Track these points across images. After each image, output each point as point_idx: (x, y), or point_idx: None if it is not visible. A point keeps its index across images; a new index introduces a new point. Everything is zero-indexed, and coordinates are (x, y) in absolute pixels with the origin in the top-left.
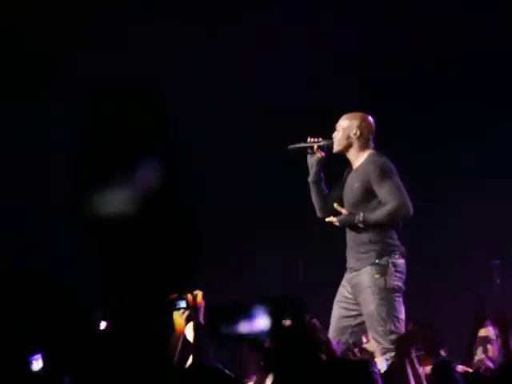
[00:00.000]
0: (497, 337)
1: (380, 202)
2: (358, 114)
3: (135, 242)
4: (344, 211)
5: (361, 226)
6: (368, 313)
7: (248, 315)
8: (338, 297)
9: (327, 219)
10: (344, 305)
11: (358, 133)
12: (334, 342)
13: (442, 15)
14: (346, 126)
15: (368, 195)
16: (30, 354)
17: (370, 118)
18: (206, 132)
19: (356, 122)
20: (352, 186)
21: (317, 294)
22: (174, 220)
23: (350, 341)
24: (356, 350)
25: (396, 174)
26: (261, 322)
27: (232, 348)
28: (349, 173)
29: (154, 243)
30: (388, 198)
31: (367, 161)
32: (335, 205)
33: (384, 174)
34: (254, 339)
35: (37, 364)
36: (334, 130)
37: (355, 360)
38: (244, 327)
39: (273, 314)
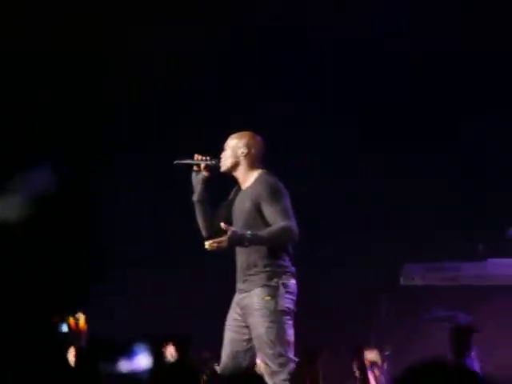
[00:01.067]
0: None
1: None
2: (245, 133)
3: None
4: (231, 229)
5: (247, 243)
6: (257, 335)
7: (129, 353)
8: (229, 320)
9: (214, 241)
10: (235, 328)
11: (246, 151)
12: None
13: None
14: (234, 145)
15: (259, 215)
16: None
17: (259, 137)
18: None
19: (244, 141)
20: (242, 206)
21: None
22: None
23: (244, 365)
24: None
25: (286, 195)
26: (142, 360)
27: None
28: (237, 192)
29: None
30: (275, 220)
31: (257, 180)
32: (222, 224)
33: (273, 195)
34: (134, 378)
35: None
36: (222, 149)
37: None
38: (125, 365)
39: (154, 352)
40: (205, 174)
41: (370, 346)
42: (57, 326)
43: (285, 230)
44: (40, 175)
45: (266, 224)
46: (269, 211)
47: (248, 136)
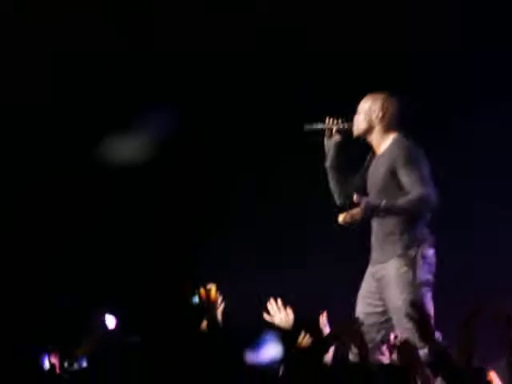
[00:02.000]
0: None
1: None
2: (380, 95)
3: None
4: (364, 200)
5: (382, 214)
6: (394, 309)
7: (255, 343)
8: (362, 292)
9: (347, 214)
10: (369, 301)
11: (381, 115)
12: None
13: None
14: (367, 109)
15: (394, 181)
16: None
17: (394, 98)
18: None
19: (378, 104)
20: (377, 171)
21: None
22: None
23: (378, 339)
24: (384, 348)
25: (424, 160)
26: (270, 350)
27: None
28: (371, 159)
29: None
30: (412, 188)
31: (393, 145)
32: (355, 196)
33: (410, 161)
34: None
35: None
36: (355, 112)
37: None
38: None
39: (284, 340)
40: (337, 138)
41: None
42: (188, 298)
43: (421, 199)
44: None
45: (401, 190)
46: (405, 178)
47: (382, 98)
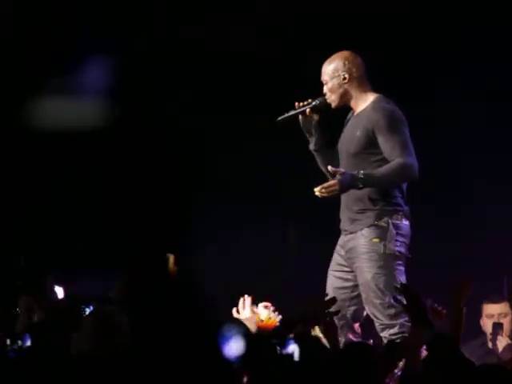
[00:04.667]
0: None
1: (383, 157)
2: (339, 54)
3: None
4: (341, 171)
5: (360, 186)
6: (364, 282)
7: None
8: (332, 265)
9: (323, 187)
10: (339, 274)
11: (347, 75)
12: None
13: None
14: (331, 74)
15: (371, 146)
16: None
17: (352, 53)
18: None
19: (340, 64)
20: (353, 133)
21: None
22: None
23: (348, 315)
24: (356, 326)
25: (405, 125)
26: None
27: None
28: (349, 120)
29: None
30: (392, 154)
31: (372, 107)
32: (329, 167)
33: (392, 126)
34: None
35: None
36: (321, 84)
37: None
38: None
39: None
40: (315, 118)
41: None
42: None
43: (403, 168)
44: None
45: (376, 157)
46: (385, 143)
47: (343, 57)
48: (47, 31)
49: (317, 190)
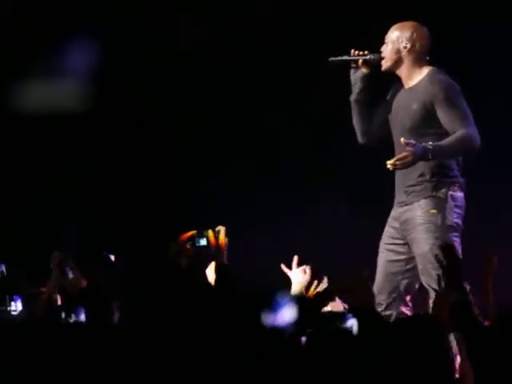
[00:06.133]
0: None
1: (441, 130)
2: (408, 24)
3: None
4: (412, 143)
5: (430, 157)
6: (421, 254)
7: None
8: (385, 238)
9: (397, 159)
10: (392, 247)
11: (409, 45)
12: None
13: None
14: (395, 39)
15: (429, 119)
16: None
17: (425, 28)
18: None
19: (407, 33)
20: (408, 107)
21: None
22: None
23: (401, 288)
24: (408, 298)
25: (462, 95)
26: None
27: None
28: (397, 91)
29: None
30: (454, 126)
31: (429, 79)
32: (402, 139)
33: (451, 98)
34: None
35: None
36: (382, 43)
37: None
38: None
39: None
40: (364, 71)
41: None
42: (193, 240)
43: (468, 139)
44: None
45: (438, 129)
46: (446, 115)
47: (412, 27)
48: (47, 31)
49: (390, 163)
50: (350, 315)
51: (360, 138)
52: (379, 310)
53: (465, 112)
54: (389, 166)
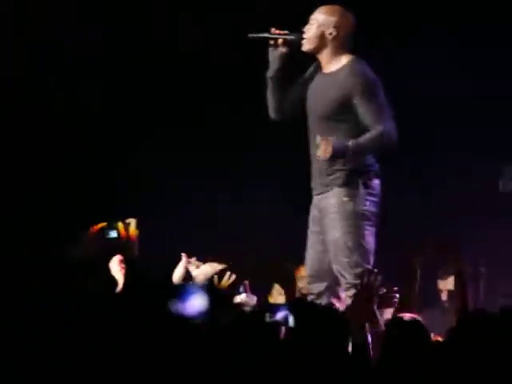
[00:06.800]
0: None
1: (356, 121)
2: (337, 9)
3: None
4: (329, 140)
5: (350, 154)
6: (333, 240)
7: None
8: (309, 222)
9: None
10: (314, 229)
11: (335, 33)
12: None
13: None
14: (321, 22)
15: (345, 109)
16: None
17: (351, 16)
18: None
19: (333, 19)
20: (325, 94)
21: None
22: None
23: (331, 266)
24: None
25: (381, 87)
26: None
27: None
28: (315, 72)
29: None
30: (372, 121)
31: (349, 69)
32: (318, 137)
33: (370, 91)
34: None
35: None
36: (306, 22)
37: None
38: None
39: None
40: (283, 50)
41: None
42: (103, 232)
43: (386, 136)
44: None
45: (353, 119)
46: (363, 108)
47: (339, 13)
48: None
49: (320, 152)
50: (285, 308)
51: (272, 114)
52: (311, 298)
53: (382, 107)
54: (319, 154)
